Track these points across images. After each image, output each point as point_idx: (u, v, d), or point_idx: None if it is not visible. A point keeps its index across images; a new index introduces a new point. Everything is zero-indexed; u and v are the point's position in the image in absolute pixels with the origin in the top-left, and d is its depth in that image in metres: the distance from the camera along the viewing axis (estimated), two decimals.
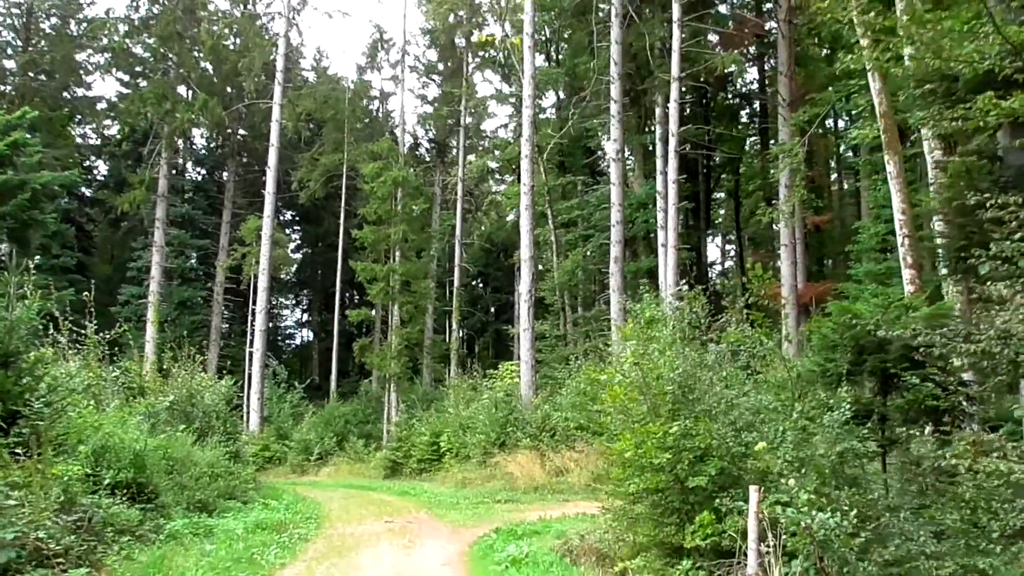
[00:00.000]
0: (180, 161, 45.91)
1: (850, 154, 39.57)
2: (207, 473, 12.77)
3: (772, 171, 28.47)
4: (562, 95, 39.45)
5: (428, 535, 11.77)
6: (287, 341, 61.36)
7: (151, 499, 10.35)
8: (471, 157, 42.49)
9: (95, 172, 49.82)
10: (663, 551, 8.31)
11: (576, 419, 19.39)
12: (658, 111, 30.27)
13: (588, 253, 32.88)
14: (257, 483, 20.28)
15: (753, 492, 5.93)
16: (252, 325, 35.28)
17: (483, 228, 49.22)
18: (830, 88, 23.73)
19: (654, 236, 35.34)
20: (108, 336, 13.95)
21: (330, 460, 28.91)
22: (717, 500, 8.10)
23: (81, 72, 43.46)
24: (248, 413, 33.25)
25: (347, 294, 48.63)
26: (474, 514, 14.36)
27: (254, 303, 34.98)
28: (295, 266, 56.82)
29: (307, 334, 59.69)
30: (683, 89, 25.87)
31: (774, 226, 33.94)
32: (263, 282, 33.18)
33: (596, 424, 10.29)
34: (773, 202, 26.49)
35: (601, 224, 32.37)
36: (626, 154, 31.23)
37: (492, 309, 50.45)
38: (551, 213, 33.34)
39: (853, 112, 23.87)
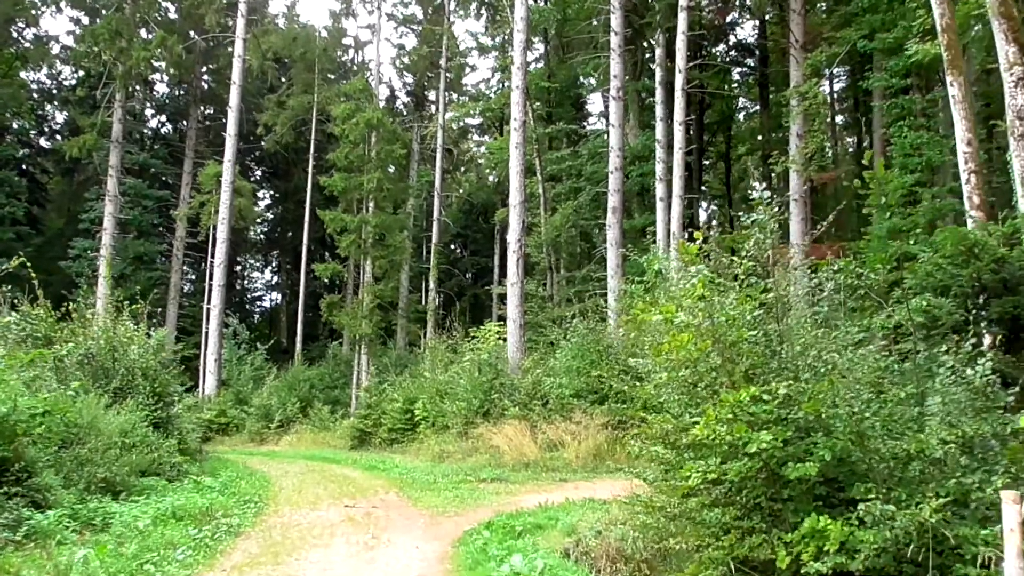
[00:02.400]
0: (138, 108, 42.59)
1: (840, 119, 37.52)
2: (116, 444, 10.00)
3: (784, 120, 26.03)
4: (550, 50, 36.74)
5: (398, 527, 9.10)
6: (256, 304, 58.59)
7: (20, 480, 7.61)
8: (450, 115, 39.63)
9: (50, 120, 46.47)
10: (741, 570, 5.73)
11: (573, 385, 16.81)
12: (658, 52, 27.65)
13: (579, 208, 30.15)
14: (202, 454, 17.60)
15: (1010, 504, 3.25)
16: (211, 281, 32.31)
17: (461, 190, 46.48)
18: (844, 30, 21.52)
19: (650, 192, 32.87)
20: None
21: (292, 428, 26.16)
22: (821, 497, 5.58)
23: (31, 9, 39.85)
24: (204, 375, 30.48)
25: (318, 253, 45.80)
26: (455, 497, 11.69)
27: (213, 257, 31.98)
28: (263, 224, 53.96)
29: (276, 297, 56.88)
30: (690, 20, 23.24)
31: (774, 183, 31.74)
32: (222, 233, 30.24)
33: (640, 391, 7.61)
34: (772, 158, 24.05)
35: (595, 177, 29.79)
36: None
37: (470, 273, 47.70)
38: (539, 164, 30.54)
39: (872, 51, 21.61)
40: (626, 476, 13.67)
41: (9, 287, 12.37)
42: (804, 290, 6.38)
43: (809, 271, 6.97)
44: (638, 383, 8.48)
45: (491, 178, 46.39)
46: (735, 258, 6.63)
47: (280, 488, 12.77)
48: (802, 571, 5.06)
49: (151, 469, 10.90)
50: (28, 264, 11.87)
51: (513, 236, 20.44)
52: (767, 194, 6.41)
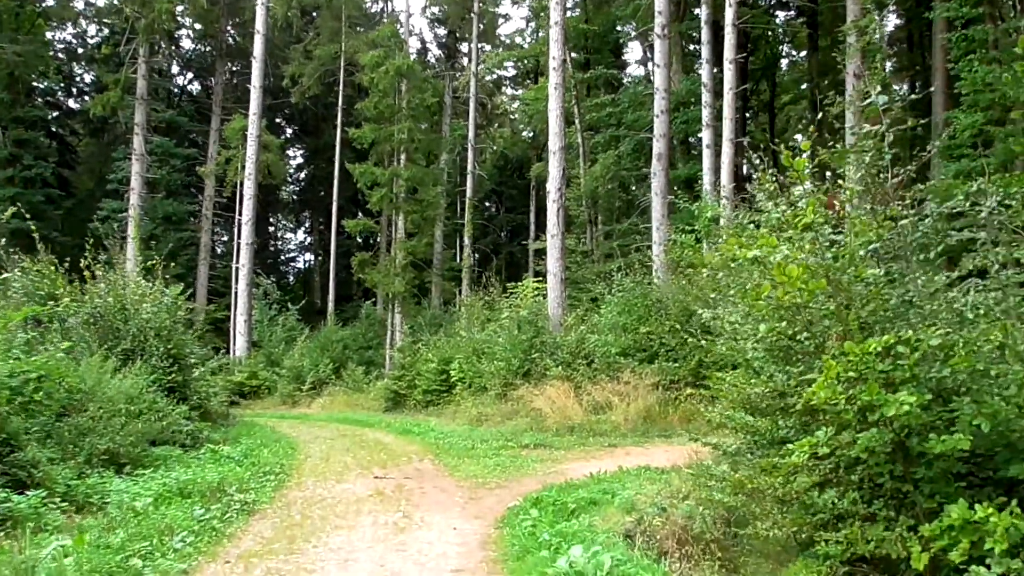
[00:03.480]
0: (164, 64, 41.66)
1: (888, 64, 35.45)
2: (120, 411, 9.05)
3: (840, 58, 24.34)
4: None
5: (433, 503, 8.06)
6: (290, 265, 58.04)
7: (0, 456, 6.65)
8: (483, 66, 38.12)
9: (78, 81, 45.75)
10: (857, 567, 4.58)
11: (619, 343, 15.64)
12: None
13: (620, 157, 28.68)
14: (228, 418, 16.78)
15: None
16: (239, 239, 31.46)
17: (495, 148, 45.13)
18: None
19: (694, 141, 31.41)
20: None
21: (325, 390, 25.31)
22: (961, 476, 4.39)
23: None
24: (234, 337, 29.76)
25: (350, 211, 44.89)
26: (496, 465, 10.62)
27: (240, 214, 31.08)
28: (295, 184, 53.26)
29: (310, 257, 56.28)
30: None
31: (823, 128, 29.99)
32: (249, 189, 29.30)
33: (715, 347, 6.42)
34: (828, 99, 22.41)
35: (636, 124, 28.34)
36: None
37: (505, 231, 46.51)
38: (578, 111, 29.07)
39: None
40: (681, 441, 12.56)
41: (12, 244, 11.41)
42: (931, 218, 5.09)
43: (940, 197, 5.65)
44: (708, 337, 7.30)
45: (526, 133, 45.10)
46: (840, 182, 5.37)
47: (306, 456, 11.81)
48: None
49: (161, 438, 9.94)
50: (28, 217, 10.94)
51: (553, 185, 19.15)
52: (882, 100, 5.14)
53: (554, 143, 19.30)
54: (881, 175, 5.32)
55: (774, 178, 6.12)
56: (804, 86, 35.66)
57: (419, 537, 6.58)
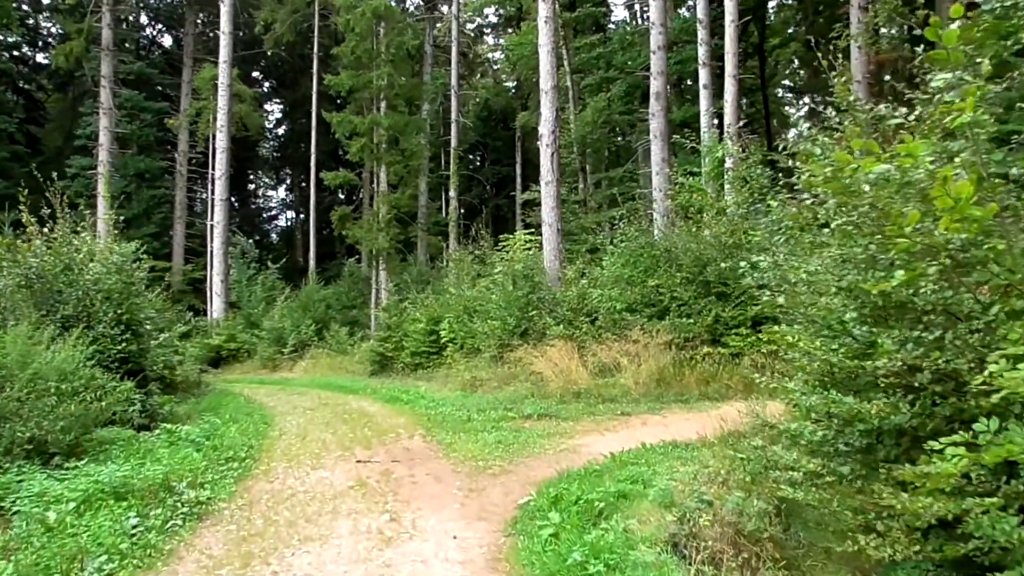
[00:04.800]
0: (131, 14, 39.56)
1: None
2: (51, 390, 7.60)
3: None
4: None
5: (426, 498, 6.65)
6: (273, 223, 56.25)
7: None
8: (464, 15, 36.23)
9: (43, 34, 43.42)
10: None
11: (624, 298, 14.22)
12: None
13: (610, 102, 27.05)
14: (200, 387, 15.41)
15: None
16: (212, 195, 29.76)
17: (478, 99, 43.33)
18: None
19: (686, 86, 29.96)
20: None
21: (307, 352, 23.87)
22: None
23: None
24: (211, 298, 28.23)
25: (328, 166, 43.01)
26: (497, 441, 9.20)
27: (213, 169, 29.35)
28: (275, 140, 51.39)
29: (292, 215, 54.54)
30: None
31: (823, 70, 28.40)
32: (221, 142, 27.55)
33: (796, 301, 5.00)
34: (836, 30, 20.87)
35: (628, 66, 26.75)
36: None
37: (491, 184, 44.82)
38: (567, 53, 27.37)
39: None
40: (701, 406, 11.25)
41: None
42: None
43: None
44: (762, 290, 5.89)
45: (509, 83, 43.42)
46: (964, 79, 3.90)
47: (280, 433, 10.40)
48: None
49: (104, 419, 8.45)
50: None
51: (546, 128, 17.56)
52: None
53: (546, 82, 17.67)
54: None
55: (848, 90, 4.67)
56: (792, 29, 34.03)
57: (410, 551, 5.19)
